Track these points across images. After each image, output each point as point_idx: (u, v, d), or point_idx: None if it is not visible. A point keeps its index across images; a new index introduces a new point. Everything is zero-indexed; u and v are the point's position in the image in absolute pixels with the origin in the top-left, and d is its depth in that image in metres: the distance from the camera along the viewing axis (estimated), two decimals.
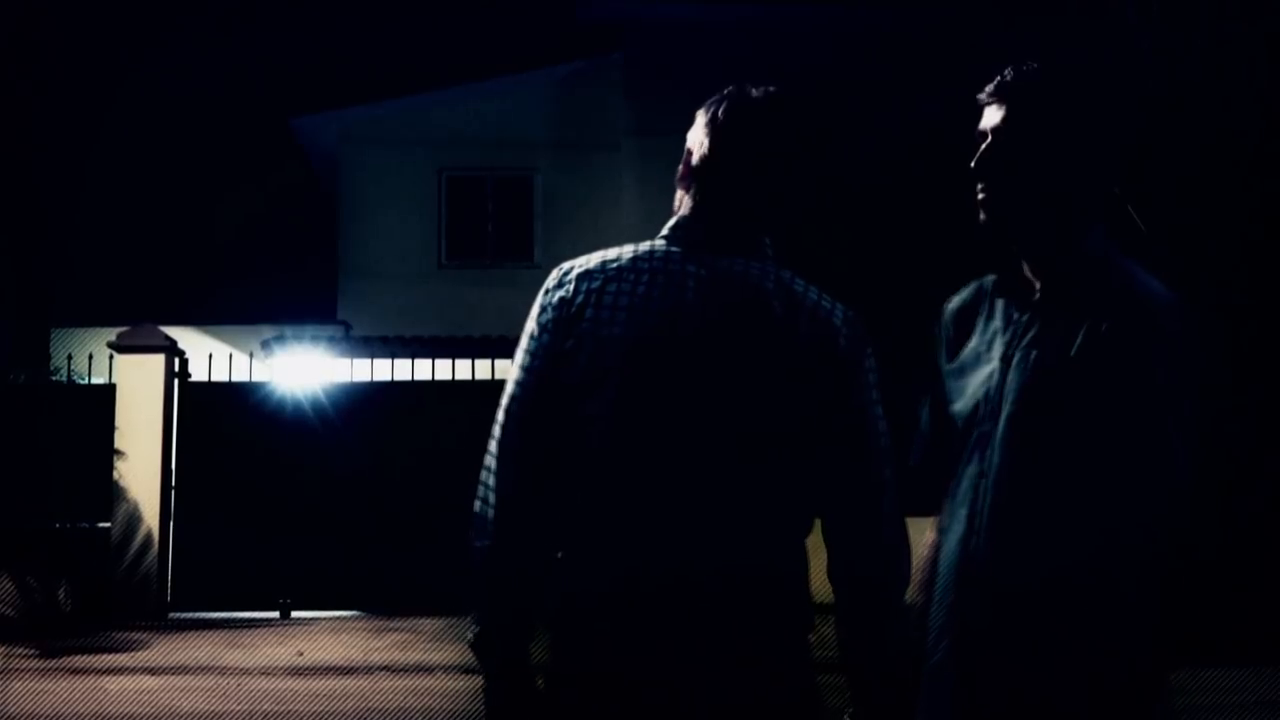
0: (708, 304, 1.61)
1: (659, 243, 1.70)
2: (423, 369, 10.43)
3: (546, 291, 1.69)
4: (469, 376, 10.36)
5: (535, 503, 1.64)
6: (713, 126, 1.71)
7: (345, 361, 10.83)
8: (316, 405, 10.14)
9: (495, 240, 14.52)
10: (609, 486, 1.59)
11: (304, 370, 11.32)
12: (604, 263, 1.67)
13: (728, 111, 1.71)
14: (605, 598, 1.57)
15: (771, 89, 1.72)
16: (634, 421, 1.59)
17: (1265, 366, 8.48)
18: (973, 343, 1.93)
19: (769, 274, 1.65)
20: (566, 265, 1.70)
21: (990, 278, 1.98)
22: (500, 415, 1.69)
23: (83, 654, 7.99)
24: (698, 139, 1.73)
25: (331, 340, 12.21)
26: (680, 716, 1.54)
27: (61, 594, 9.37)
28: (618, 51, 13.37)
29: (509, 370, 1.72)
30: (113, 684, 7.01)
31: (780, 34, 12.38)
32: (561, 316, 1.64)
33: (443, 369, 10.41)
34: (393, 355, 10.77)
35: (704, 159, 1.71)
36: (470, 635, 1.66)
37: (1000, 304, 1.92)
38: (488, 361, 10.33)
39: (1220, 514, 8.00)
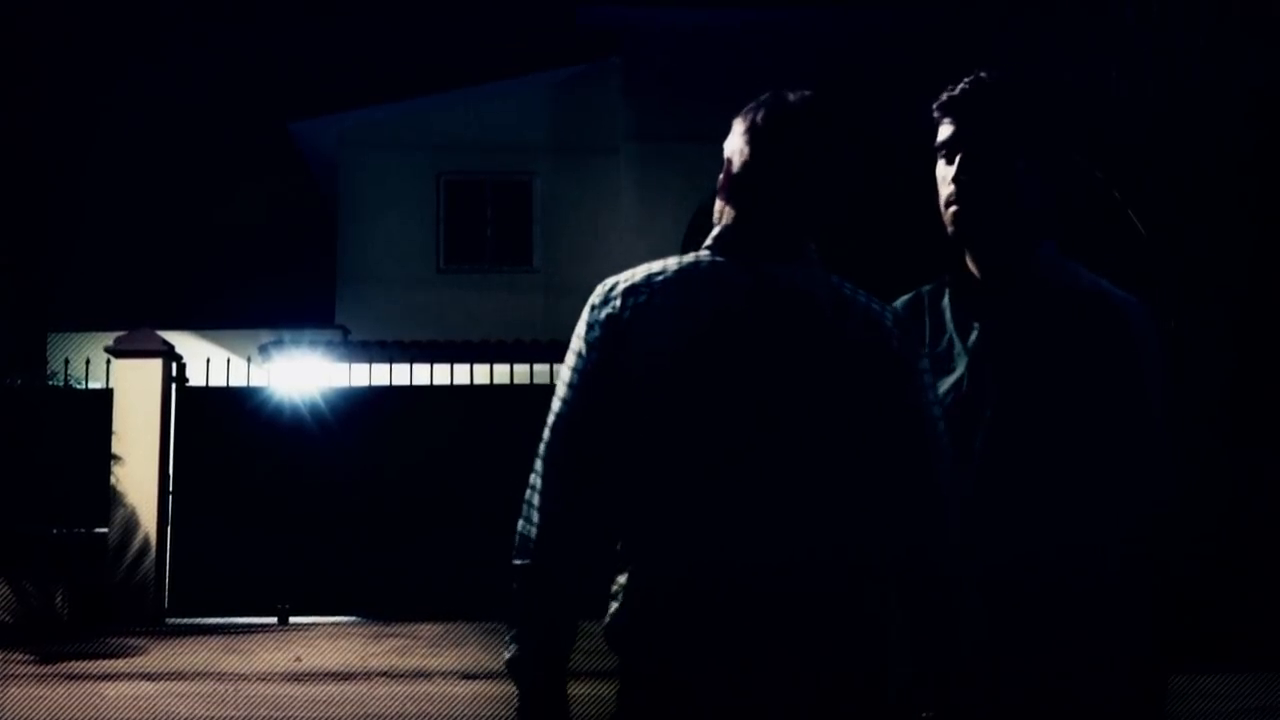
0: (757, 312, 1.60)
1: (703, 253, 1.69)
2: (421, 373, 10.40)
3: (593, 309, 1.67)
4: (468, 381, 10.34)
5: (581, 522, 1.63)
6: (752, 133, 1.70)
7: (343, 366, 10.81)
8: (315, 410, 10.12)
9: (494, 244, 14.51)
10: (672, 499, 1.58)
11: (302, 375, 11.30)
12: (649, 276, 1.66)
13: (766, 117, 1.69)
14: (676, 607, 1.56)
15: (807, 92, 1.71)
16: (693, 433, 1.58)
17: (1266, 368, 8.47)
18: (925, 352, 1.93)
19: (817, 279, 1.65)
20: (611, 281, 1.69)
21: (927, 288, 1.98)
22: (547, 434, 1.66)
23: (80, 660, 7.96)
24: (737, 146, 1.72)
25: (329, 344, 12.19)
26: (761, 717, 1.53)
27: (59, 599, 9.35)
28: (617, 55, 13.38)
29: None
30: (110, 690, 6.98)
31: (779, 38, 12.37)
32: (610, 333, 1.63)
33: (441, 373, 10.39)
34: (391, 360, 10.75)
35: (745, 166, 1.70)
36: (507, 654, 1.64)
37: (949, 311, 1.93)
38: (486, 366, 10.32)
39: (1221, 519, 7.99)
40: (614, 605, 1.61)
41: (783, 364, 1.59)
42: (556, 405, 1.67)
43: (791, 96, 1.71)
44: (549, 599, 1.62)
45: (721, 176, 1.74)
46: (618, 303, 1.65)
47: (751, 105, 1.73)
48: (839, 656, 1.55)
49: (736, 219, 1.70)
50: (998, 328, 1.84)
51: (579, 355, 1.66)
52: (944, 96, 1.89)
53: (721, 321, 1.60)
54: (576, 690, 1.70)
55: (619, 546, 1.63)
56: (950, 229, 1.89)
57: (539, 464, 1.66)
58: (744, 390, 1.58)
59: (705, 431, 1.58)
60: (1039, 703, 1.73)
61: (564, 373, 1.68)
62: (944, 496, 1.60)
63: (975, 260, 1.91)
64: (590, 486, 1.63)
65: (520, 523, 1.66)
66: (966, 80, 1.88)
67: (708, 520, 1.56)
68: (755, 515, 1.55)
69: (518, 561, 1.64)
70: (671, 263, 1.68)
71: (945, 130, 1.88)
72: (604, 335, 1.64)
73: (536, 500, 1.64)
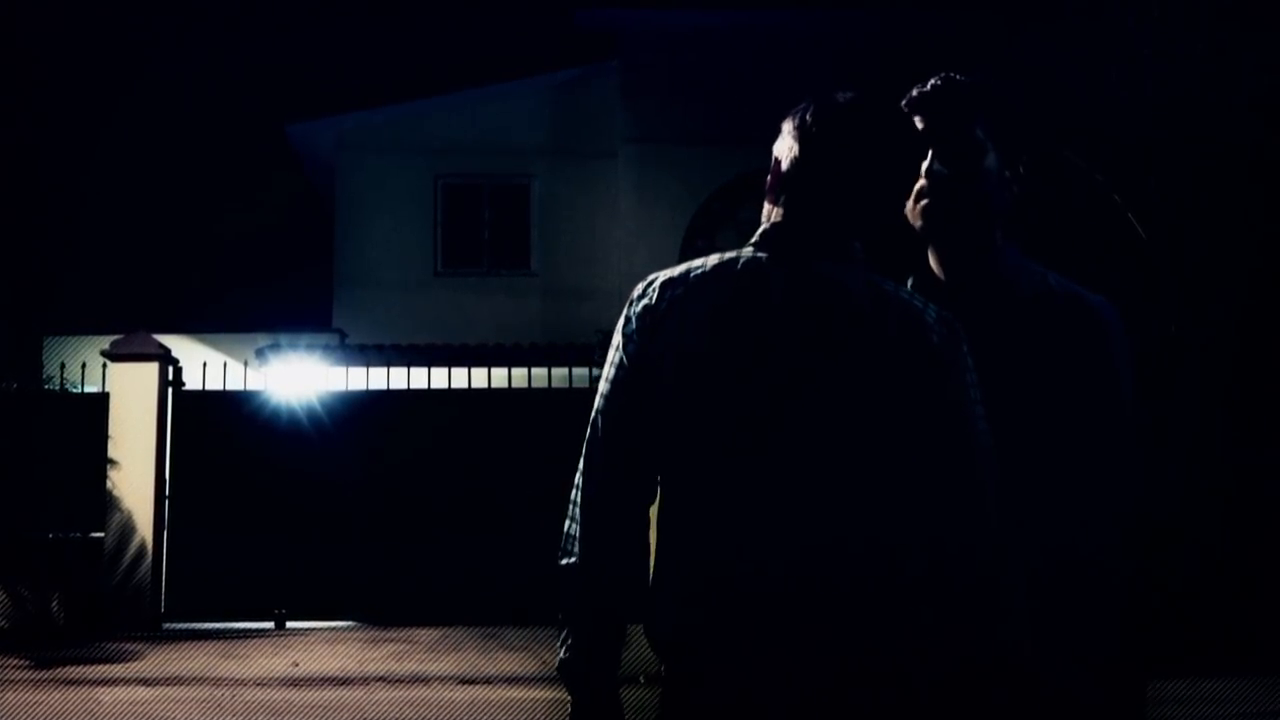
0: (796, 307, 1.60)
1: (746, 250, 1.69)
2: (419, 377, 10.37)
3: (631, 303, 1.69)
4: (465, 385, 10.31)
5: (625, 519, 1.64)
6: (802, 133, 1.70)
7: (340, 370, 10.78)
8: (311, 414, 10.08)
9: (492, 248, 14.48)
10: (706, 495, 1.59)
11: (299, 378, 11.26)
12: (688, 271, 1.68)
13: (816, 117, 1.70)
14: (716, 605, 1.55)
15: (856, 93, 1.72)
16: (725, 427, 1.58)
17: (1266, 371, 8.45)
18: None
19: (857, 276, 1.63)
20: (651, 276, 1.71)
21: None
22: (589, 432, 1.68)
23: (76, 665, 7.93)
24: (786, 146, 1.72)
25: (326, 348, 12.15)
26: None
27: (55, 604, 9.30)
28: (615, 58, 13.36)
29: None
30: (106, 695, 6.95)
31: (777, 41, 12.36)
32: (645, 326, 1.65)
33: (439, 377, 10.35)
34: (388, 363, 10.72)
35: (794, 164, 1.70)
36: (558, 657, 1.65)
37: None
38: (484, 370, 10.29)
39: (1223, 523, 7.97)
40: (651, 603, 1.62)
41: (817, 358, 1.58)
42: (598, 402, 1.68)
43: (841, 96, 1.71)
44: (596, 598, 1.63)
45: (769, 177, 1.74)
46: (654, 295, 1.66)
47: (800, 105, 1.74)
48: (881, 651, 1.54)
49: (784, 218, 1.70)
50: (966, 330, 1.83)
51: (617, 349, 1.67)
52: (914, 93, 1.89)
53: (755, 315, 1.61)
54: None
55: (656, 544, 1.64)
56: (919, 225, 1.89)
57: (582, 462, 1.67)
58: (776, 384, 1.57)
59: (737, 425, 1.57)
60: (1021, 702, 1.68)
61: (606, 368, 1.69)
62: (985, 495, 1.57)
63: (940, 261, 1.91)
64: (632, 483, 1.64)
65: (566, 522, 1.68)
66: (936, 78, 1.88)
67: (744, 516, 1.56)
68: (791, 510, 1.54)
69: (564, 561, 1.66)
70: (712, 258, 1.69)
71: (915, 127, 1.88)
72: (640, 328, 1.65)
73: (579, 498, 1.66)
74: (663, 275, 1.69)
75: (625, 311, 1.69)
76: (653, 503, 1.67)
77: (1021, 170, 1.89)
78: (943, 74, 1.88)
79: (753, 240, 1.70)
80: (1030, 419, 1.74)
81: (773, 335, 1.59)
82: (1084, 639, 1.73)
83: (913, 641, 1.55)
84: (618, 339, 1.68)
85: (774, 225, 1.70)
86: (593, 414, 1.68)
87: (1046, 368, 1.77)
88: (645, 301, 1.66)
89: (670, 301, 1.64)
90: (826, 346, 1.58)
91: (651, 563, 1.66)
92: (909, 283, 1.94)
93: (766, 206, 1.74)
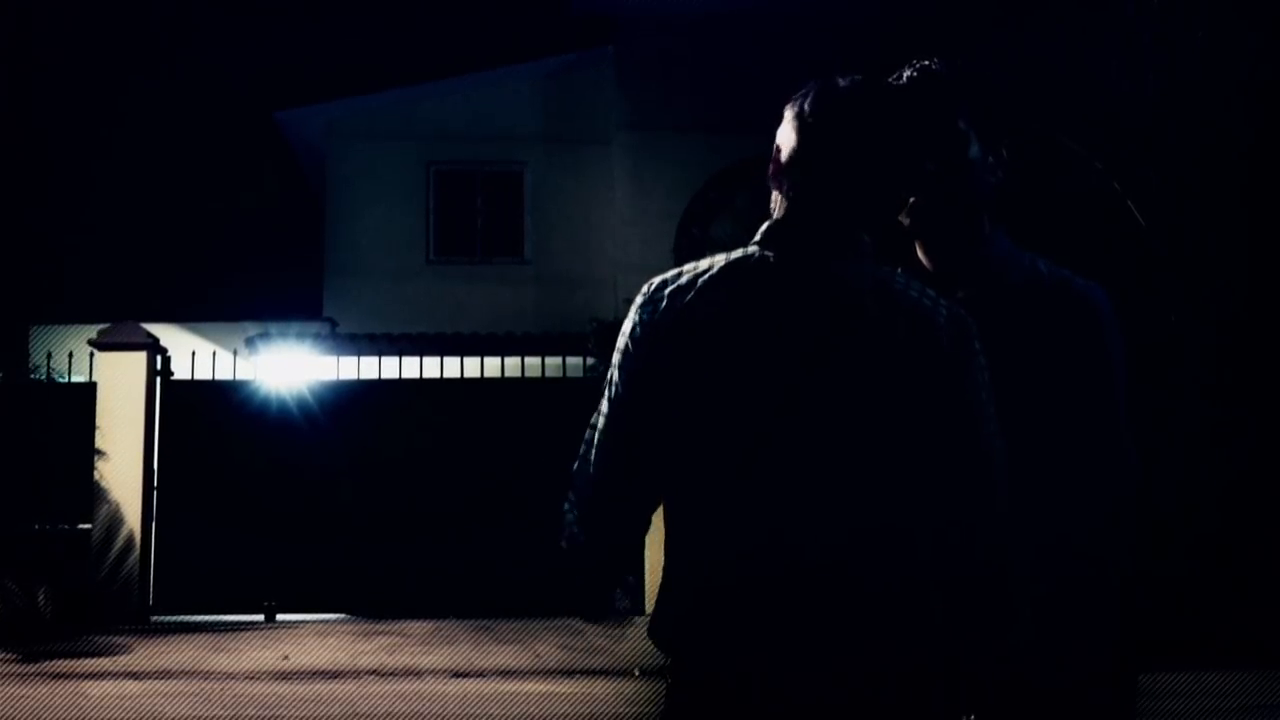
0: (805, 311, 1.59)
1: (752, 249, 1.66)
2: (410, 367, 10.29)
3: (639, 309, 1.67)
4: (457, 374, 10.23)
5: (623, 529, 1.70)
6: (801, 121, 1.66)
7: (331, 359, 10.71)
8: (302, 404, 10.00)
9: (485, 236, 14.40)
10: (714, 494, 1.59)
11: (289, 368, 11.20)
12: (696, 276, 1.65)
13: (815, 104, 1.66)
14: (722, 600, 1.56)
15: (859, 78, 1.68)
16: (734, 429, 1.58)
17: (1265, 362, 8.41)
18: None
19: (866, 275, 1.60)
20: (657, 281, 1.69)
21: None
22: (596, 434, 1.69)
23: (63, 658, 7.85)
24: (786, 135, 1.68)
25: (317, 337, 12.07)
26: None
27: (41, 597, 9.22)
28: (609, 44, 13.28)
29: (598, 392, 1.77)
30: (94, 689, 6.88)
31: (774, 28, 12.28)
32: (656, 334, 1.63)
33: (430, 367, 10.27)
34: (379, 353, 10.64)
35: (794, 155, 1.67)
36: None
37: None
38: (476, 359, 10.22)
39: (1222, 515, 7.93)
40: (658, 601, 1.62)
41: (825, 363, 1.56)
42: (604, 407, 1.68)
43: (843, 82, 1.67)
44: (589, 573, 1.72)
45: (771, 165, 1.71)
46: (664, 304, 1.64)
47: (801, 92, 1.70)
48: (889, 648, 1.52)
49: (787, 212, 1.67)
50: None
51: (626, 356, 1.66)
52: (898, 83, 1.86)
53: (764, 321, 1.59)
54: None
55: (665, 545, 1.63)
56: (907, 220, 1.86)
57: (586, 464, 1.69)
58: (785, 389, 1.56)
59: (747, 429, 1.56)
60: (1010, 694, 1.67)
61: (612, 372, 1.69)
62: (995, 496, 1.56)
63: (929, 252, 1.89)
64: (634, 482, 1.67)
65: (565, 529, 1.73)
66: (911, 70, 1.85)
67: (753, 518, 1.55)
68: (799, 512, 1.54)
69: (563, 544, 1.72)
70: (719, 259, 1.66)
71: (918, 112, 1.84)
72: (650, 336, 1.63)
73: (581, 503, 1.69)
74: (670, 282, 1.66)
75: (633, 318, 1.67)
76: (652, 504, 1.68)
77: (1005, 155, 1.87)
78: (918, 64, 1.85)
79: (758, 238, 1.67)
80: (1023, 407, 1.71)
81: (781, 341, 1.58)
82: (1074, 627, 1.72)
83: (921, 640, 1.53)
84: (625, 344, 1.67)
85: (778, 222, 1.67)
86: (601, 418, 1.68)
87: (1038, 354, 1.76)
88: (654, 310, 1.64)
89: (682, 309, 1.62)
90: (834, 352, 1.56)
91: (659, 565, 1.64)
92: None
93: (774, 194, 1.70)
